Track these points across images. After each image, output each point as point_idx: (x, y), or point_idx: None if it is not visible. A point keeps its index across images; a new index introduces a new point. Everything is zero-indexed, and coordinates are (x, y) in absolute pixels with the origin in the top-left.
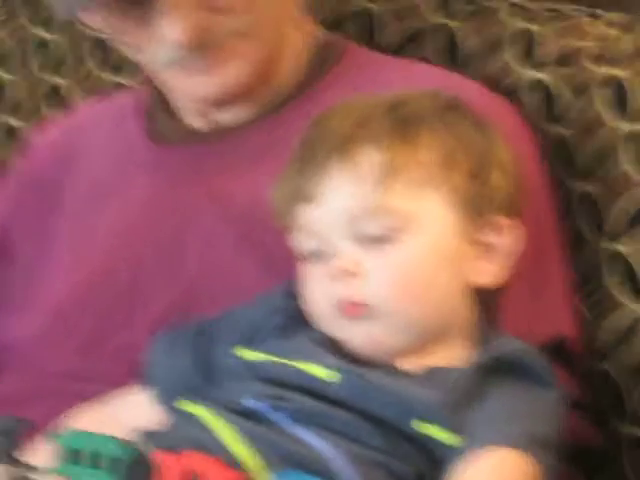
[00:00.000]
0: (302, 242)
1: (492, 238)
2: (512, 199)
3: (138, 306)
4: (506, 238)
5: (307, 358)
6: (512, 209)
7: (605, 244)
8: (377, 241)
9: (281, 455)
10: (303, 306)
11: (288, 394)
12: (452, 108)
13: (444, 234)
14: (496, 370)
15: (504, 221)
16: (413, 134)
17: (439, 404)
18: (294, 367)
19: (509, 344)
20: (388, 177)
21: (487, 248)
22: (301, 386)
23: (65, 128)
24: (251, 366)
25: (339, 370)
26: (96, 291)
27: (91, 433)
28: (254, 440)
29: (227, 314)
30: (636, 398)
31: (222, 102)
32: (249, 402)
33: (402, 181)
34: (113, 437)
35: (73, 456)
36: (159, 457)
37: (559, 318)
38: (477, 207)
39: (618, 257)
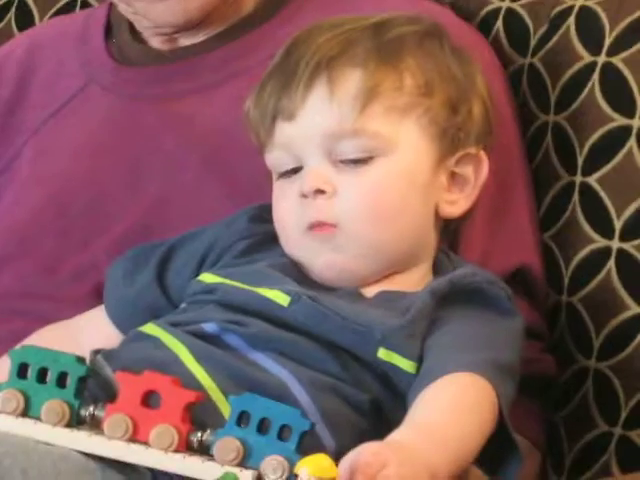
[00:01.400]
0: (277, 160)
1: (465, 169)
2: (487, 131)
3: (97, 228)
4: (478, 170)
5: (266, 283)
6: (486, 141)
7: (577, 178)
8: (351, 163)
9: (238, 378)
10: (272, 227)
11: (245, 318)
12: (433, 35)
13: (418, 161)
14: (455, 297)
15: (478, 153)
16: (396, 60)
17: (396, 329)
18: (252, 291)
19: (469, 271)
20: (369, 100)
21: (460, 179)
22: (258, 310)
23: (27, 44)
24: (210, 290)
25: (294, 294)
26: (54, 211)
27: (42, 349)
28: (212, 363)
29: (189, 236)
30: (602, 333)
31: (186, 28)
32: (208, 326)
33: (382, 105)
34: (65, 353)
35: (20, 370)
36: (119, 376)
37: (522, 248)
38: (453, 138)
39: (589, 191)
